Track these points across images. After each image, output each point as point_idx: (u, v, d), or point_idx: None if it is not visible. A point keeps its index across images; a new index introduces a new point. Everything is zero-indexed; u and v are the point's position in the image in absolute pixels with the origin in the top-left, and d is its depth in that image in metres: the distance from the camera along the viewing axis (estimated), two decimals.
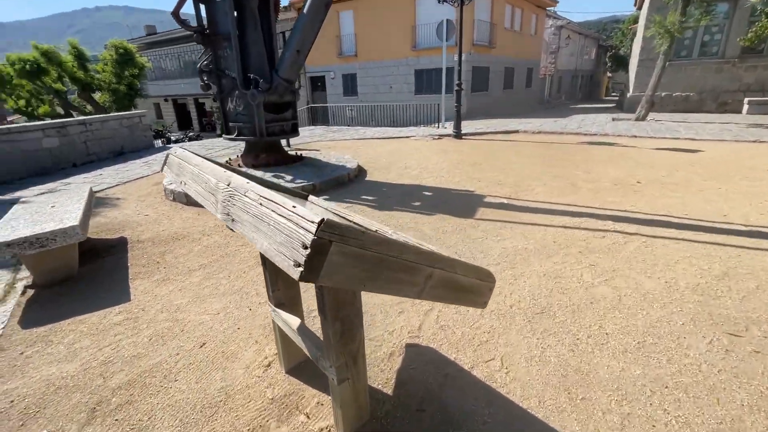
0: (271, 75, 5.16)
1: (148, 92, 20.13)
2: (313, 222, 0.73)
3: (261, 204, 0.89)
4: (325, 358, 1.36)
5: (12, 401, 1.77)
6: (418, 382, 1.77)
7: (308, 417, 1.61)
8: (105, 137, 7.68)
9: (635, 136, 9.02)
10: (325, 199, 4.99)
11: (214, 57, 5.27)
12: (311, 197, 2.08)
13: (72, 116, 13.48)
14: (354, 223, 1.74)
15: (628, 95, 16.79)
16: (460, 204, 4.38)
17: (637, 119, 11.88)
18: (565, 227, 3.59)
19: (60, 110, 15.47)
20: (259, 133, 5.24)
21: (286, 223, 0.78)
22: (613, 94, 40.33)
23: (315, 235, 0.71)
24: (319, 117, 18.55)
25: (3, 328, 2.29)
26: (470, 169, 6.08)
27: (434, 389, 1.72)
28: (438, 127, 11.71)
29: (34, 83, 13.66)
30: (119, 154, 7.95)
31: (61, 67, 13.48)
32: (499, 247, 3.20)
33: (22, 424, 1.64)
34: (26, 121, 13.52)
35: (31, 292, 2.71)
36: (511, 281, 2.63)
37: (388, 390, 1.74)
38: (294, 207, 0.80)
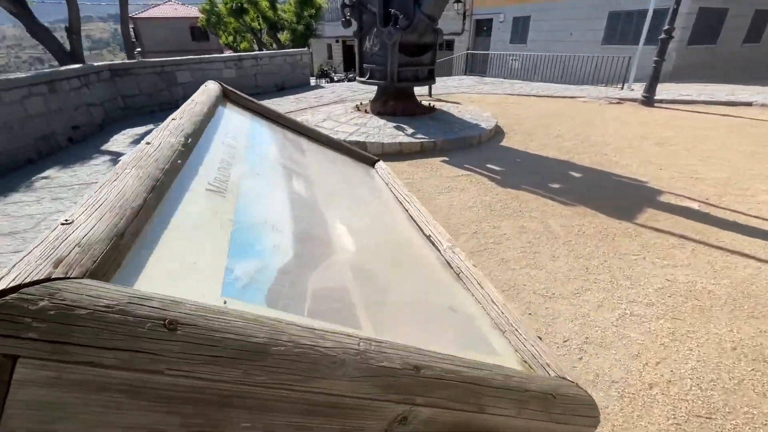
0: (414, 11, 4.55)
1: (323, 33, 21.78)
2: None
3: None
4: None
5: None
6: None
7: None
8: (271, 72, 8.52)
9: None
10: (443, 161, 4.40)
11: None
12: (379, 164, 1.59)
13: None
14: (408, 214, 1.19)
15: None
16: (620, 198, 3.19)
17: None
18: None
19: (256, 47, 18.16)
20: (390, 78, 4.82)
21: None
22: None
23: None
24: (478, 65, 16.94)
25: None
26: (653, 150, 4.45)
27: None
28: (622, 88, 9.15)
29: (238, 21, 16.20)
30: (280, 89, 8.78)
31: (257, 6, 15.50)
32: (661, 276, 2.14)
33: None
34: None
35: None
36: (665, 341, 1.69)
37: None
38: (66, 221, 0.34)
